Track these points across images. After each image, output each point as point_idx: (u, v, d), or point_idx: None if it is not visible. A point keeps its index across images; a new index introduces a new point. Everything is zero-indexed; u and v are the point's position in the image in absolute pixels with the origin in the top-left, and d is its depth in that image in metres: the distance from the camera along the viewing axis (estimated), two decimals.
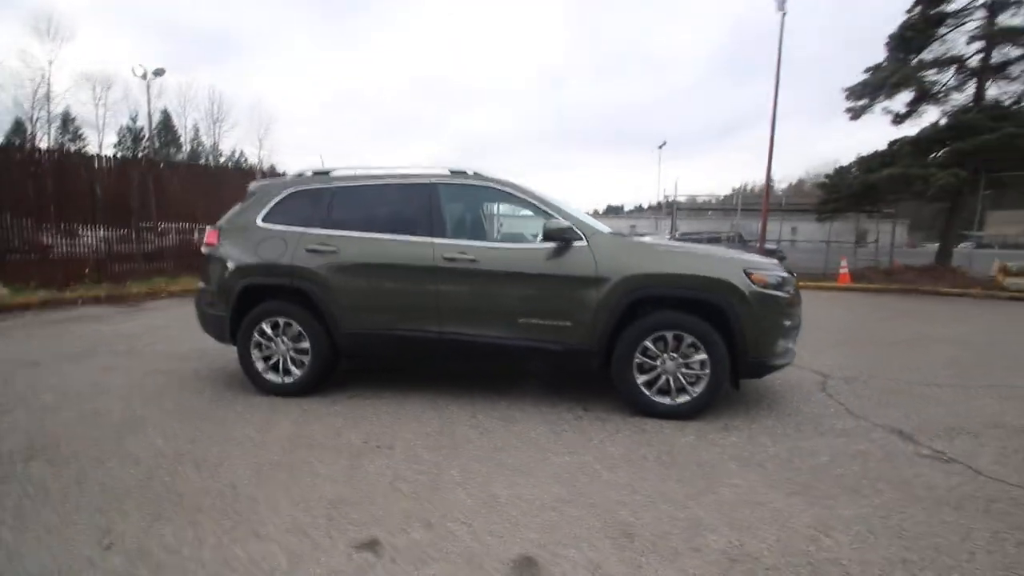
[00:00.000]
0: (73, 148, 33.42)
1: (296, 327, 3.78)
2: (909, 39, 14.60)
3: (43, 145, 32.03)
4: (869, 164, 15.71)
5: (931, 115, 15.84)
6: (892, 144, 15.51)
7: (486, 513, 2.26)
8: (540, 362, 3.74)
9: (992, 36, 13.64)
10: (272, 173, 13.94)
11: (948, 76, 15.28)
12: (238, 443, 2.99)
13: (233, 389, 4.01)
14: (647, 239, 4.09)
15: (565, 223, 3.45)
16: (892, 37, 15.24)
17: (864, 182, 14.61)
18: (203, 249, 4.13)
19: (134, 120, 45.88)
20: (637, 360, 3.42)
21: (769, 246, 17.98)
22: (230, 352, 5.01)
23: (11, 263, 9.29)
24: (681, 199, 28.15)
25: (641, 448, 2.96)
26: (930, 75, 14.77)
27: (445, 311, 3.60)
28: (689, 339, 3.35)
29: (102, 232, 10.62)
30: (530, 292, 3.50)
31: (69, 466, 2.66)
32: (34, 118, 40.72)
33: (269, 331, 3.82)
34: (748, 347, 3.33)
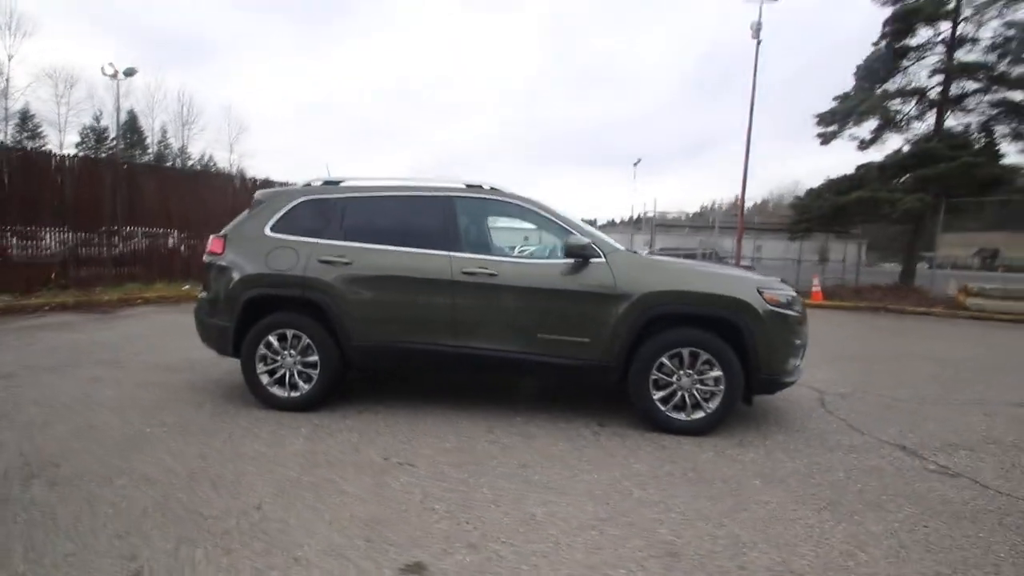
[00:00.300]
0: (32, 146, 31.91)
1: (305, 340, 3.67)
2: (876, 70, 15.42)
3: None
4: (839, 187, 16.41)
5: (894, 142, 16.79)
6: (859, 168, 16.27)
7: (526, 533, 2.23)
8: (557, 377, 3.74)
9: (950, 71, 14.53)
10: (266, 182, 13.60)
11: (910, 106, 16.19)
12: (251, 460, 2.87)
13: (234, 402, 3.86)
14: (658, 257, 4.16)
15: (585, 240, 3.48)
16: (859, 67, 16.07)
17: (835, 204, 15.25)
18: (205, 258, 3.99)
19: (98, 120, 44.20)
20: (653, 376, 3.46)
21: (745, 263, 18.52)
22: (223, 364, 4.87)
23: None
24: (646, 216, 28.82)
25: (665, 465, 2.98)
26: (894, 104, 15.59)
27: (462, 325, 3.57)
28: (704, 356, 3.41)
29: (69, 235, 10.14)
30: (550, 308, 3.51)
31: (75, 487, 2.50)
32: None
33: (276, 344, 3.70)
34: (761, 364, 3.41)
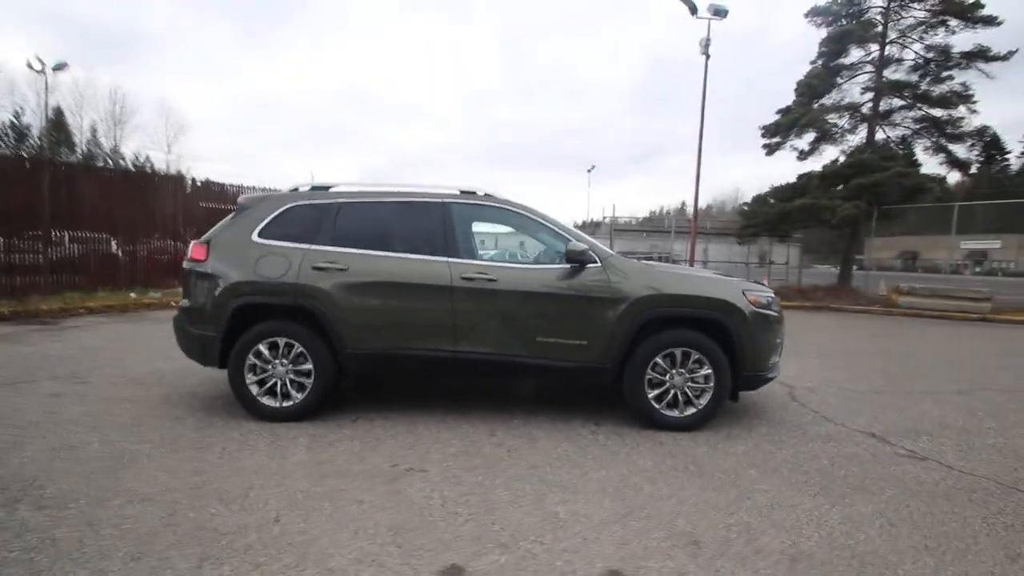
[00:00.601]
0: None
1: (298, 348, 3.58)
2: (814, 86, 16.56)
3: None
4: (783, 194, 17.50)
5: (830, 153, 18.01)
6: (801, 177, 17.40)
7: (553, 531, 2.28)
8: (555, 380, 3.81)
9: (880, 88, 15.83)
10: (247, 189, 12.94)
11: (844, 120, 17.49)
12: (254, 473, 2.78)
13: (218, 415, 3.70)
14: (650, 262, 4.33)
15: (584, 245, 3.59)
16: (800, 83, 17.20)
17: (780, 210, 16.23)
18: (186, 265, 3.81)
19: (18, 117, 40.66)
20: (648, 376, 3.60)
21: (697, 266, 19.33)
22: (193, 376, 4.66)
23: None
24: (605, 220, 29.67)
25: (667, 460, 3.11)
26: (832, 118, 16.79)
27: (461, 330, 3.58)
28: (696, 355, 3.59)
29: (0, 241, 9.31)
30: (549, 312, 3.58)
31: (67, 509, 2.34)
32: None
33: (267, 353, 3.58)
34: (747, 362, 3.62)
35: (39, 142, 36.39)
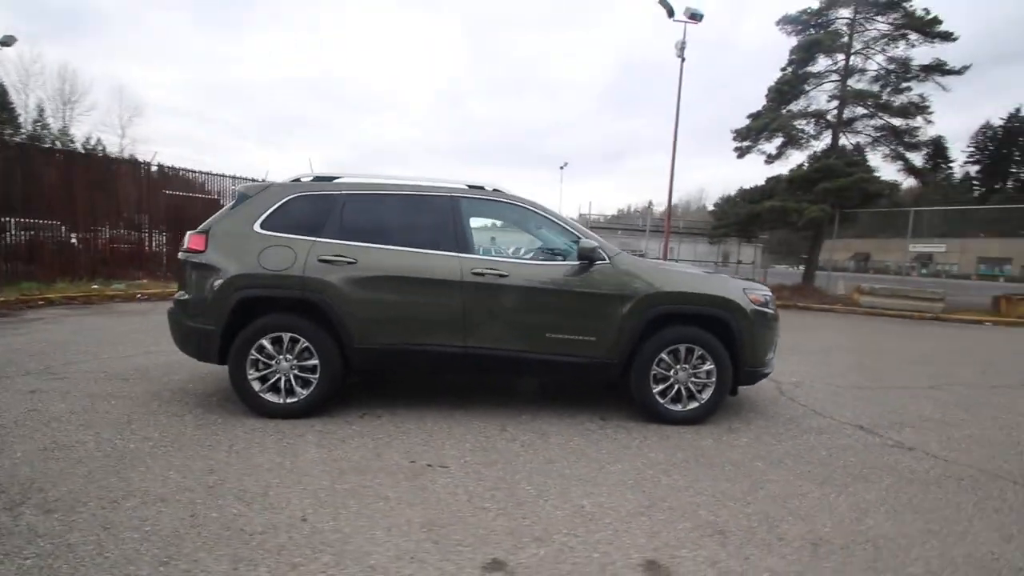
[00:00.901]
0: None
1: (303, 343, 3.49)
2: (784, 92, 17.15)
3: None
4: (751, 196, 18.10)
5: (795, 158, 18.72)
6: (769, 180, 18.04)
7: (584, 523, 2.32)
8: (562, 375, 3.85)
9: (845, 96, 16.53)
10: (216, 177, 12.35)
11: (810, 126, 18.19)
12: (269, 471, 2.71)
13: (216, 411, 3.58)
14: (655, 260, 4.41)
15: (594, 243, 3.63)
16: (770, 89, 17.78)
17: (750, 212, 16.78)
18: (182, 255, 3.65)
19: None
20: (653, 371, 3.68)
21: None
22: (179, 371, 4.52)
23: None
24: (574, 218, 29.99)
25: (677, 452, 3.20)
26: (800, 124, 17.43)
27: (471, 325, 3.57)
28: (699, 351, 3.69)
29: None
30: (559, 308, 3.61)
31: (76, 513, 2.23)
32: None
33: (270, 347, 3.48)
34: (747, 358, 3.75)
35: None
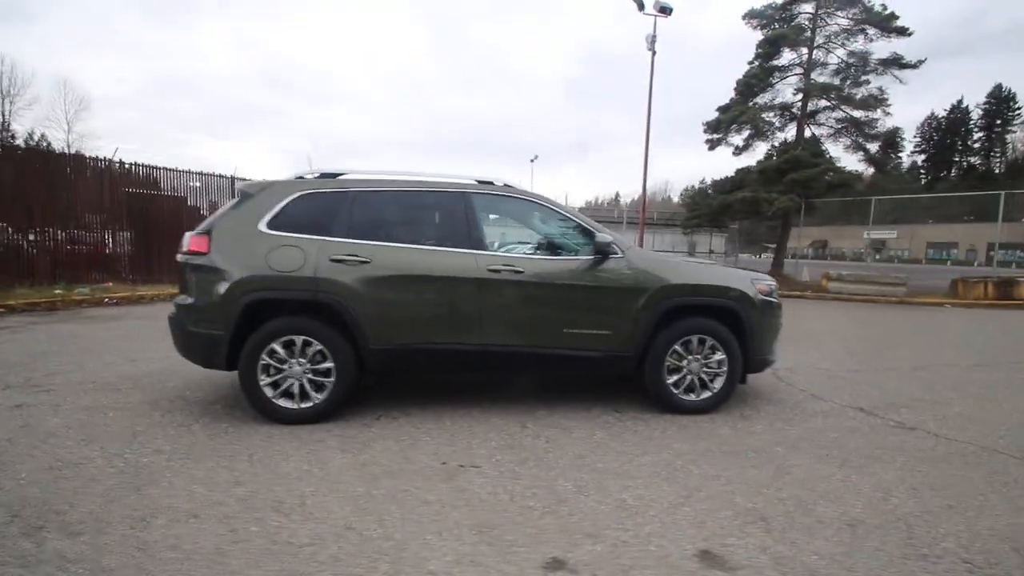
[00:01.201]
0: None
1: (316, 346, 3.39)
2: (752, 85, 17.61)
3: None
4: (722, 187, 18.59)
5: (760, 149, 19.33)
6: (739, 171, 18.56)
7: (630, 517, 2.34)
8: (578, 370, 3.86)
9: (809, 90, 17.10)
10: (180, 173, 11.72)
11: (776, 118, 18.77)
12: (299, 480, 2.62)
13: (225, 420, 3.44)
14: (665, 253, 4.46)
15: (609, 237, 3.64)
16: (739, 82, 18.23)
17: (723, 202, 17.23)
18: (182, 258, 3.48)
19: None
20: (667, 363, 3.74)
21: None
22: (172, 379, 4.38)
23: None
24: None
25: (699, 442, 3.27)
26: (768, 116, 17.96)
27: (488, 322, 3.54)
28: (710, 341, 3.77)
29: None
30: (575, 303, 3.62)
31: (104, 534, 2.10)
32: None
33: (282, 351, 3.36)
34: (755, 347, 3.85)
35: None
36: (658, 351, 3.70)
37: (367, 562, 1.96)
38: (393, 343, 3.47)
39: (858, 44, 16.92)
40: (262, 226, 3.45)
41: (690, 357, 3.77)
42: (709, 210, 18.30)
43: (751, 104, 18.29)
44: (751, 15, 17.98)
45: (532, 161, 45.49)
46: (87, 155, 11.47)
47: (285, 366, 3.37)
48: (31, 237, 9.94)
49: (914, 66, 16.21)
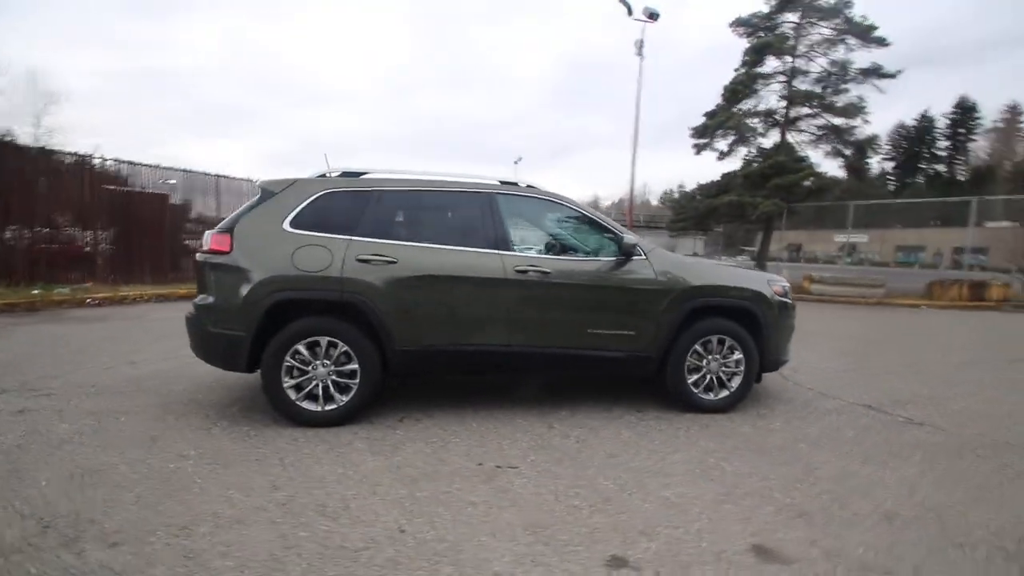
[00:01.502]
0: None
1: (342, 347, 3.33)
2: (738, 92, 17.97)
3: None
4: (708, 191, 18.92)
5: (742, 154, 19.70)
6: (724, 176, 18.91)
7: (677, 514, 2.37)
8: (603, 370, 3.88)
9: (793, 97, 17.54)
10: (165, 171, 11.34)
11: (759, 124, 19.18)
12: (338, 483, 2.58)
13: (244, 423, 3.35)
14: (685, 255, 4.53)
15: (633, 239, 3.68)
16: (725, 88, 18.57)
17: (709, 206, 17.54)
18: (202, 257, 3.38)
19: None
20: (688, 363, 3.79)
21: None
22: (178, 381, 4.29)
23: None
24: None
25: (725, 440, 3.32)
26: (752, 122, 18.35)
27: (514, 323, 3.53)
28: (729, 342, 3.83)
29: None
30: (600, 304, 3.64)
31: (147, 544, 2.03)
32: None
33: (306, 353, 3.30)
34: (771, 347, 3.93)
35: None
36: (680, 351, 3.75)
37: (428, 564, 1.94)
38: (419, 344, 3.44)
39: (839, 54, 17.45)
40: (286, 225, 3.39)
41: (709, 357, 3.83)
42: (695, 213, 18.63)
43: (736, 110, 18.68)
44: (738, 23, 18.34)
45: (516, 163, 45.64)
46: (65, 149, 11.08)
47: (309, 368, 3.31)
48: (7, 235, 9.54)
49: (892, 76, 16.78)
